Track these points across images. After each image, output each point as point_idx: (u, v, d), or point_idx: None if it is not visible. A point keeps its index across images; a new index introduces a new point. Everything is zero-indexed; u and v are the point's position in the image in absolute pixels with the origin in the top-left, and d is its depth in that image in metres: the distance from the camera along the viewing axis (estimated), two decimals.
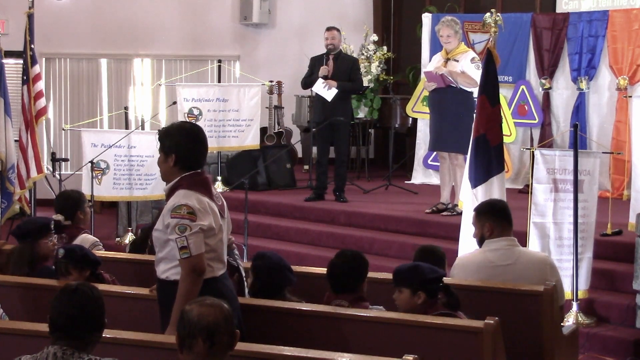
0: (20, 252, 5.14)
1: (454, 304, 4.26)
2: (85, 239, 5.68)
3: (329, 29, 9.01)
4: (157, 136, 4.10)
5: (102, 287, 4.05)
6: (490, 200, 5.44)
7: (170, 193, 4.00)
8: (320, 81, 8.80)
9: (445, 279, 4.37)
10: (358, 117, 10.78)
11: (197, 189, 3.95)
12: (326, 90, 8.79)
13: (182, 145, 3.99)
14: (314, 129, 9.00)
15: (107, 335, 3.47)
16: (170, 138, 4.03)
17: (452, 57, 7.96)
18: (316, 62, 9.01)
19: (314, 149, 9.77)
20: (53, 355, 3.08)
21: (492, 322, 3.86)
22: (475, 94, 7.68)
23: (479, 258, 4.87)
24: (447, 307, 4.23)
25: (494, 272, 4.72)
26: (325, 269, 4.44)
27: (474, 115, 6.40)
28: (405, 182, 10.33)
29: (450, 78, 7.83)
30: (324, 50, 8.98)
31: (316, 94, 9.03)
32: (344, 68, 8.90)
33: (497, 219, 4.87)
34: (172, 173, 4.03)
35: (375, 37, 11.22)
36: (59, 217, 5.73)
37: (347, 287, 4.29)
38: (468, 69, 7.83)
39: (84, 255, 4.83)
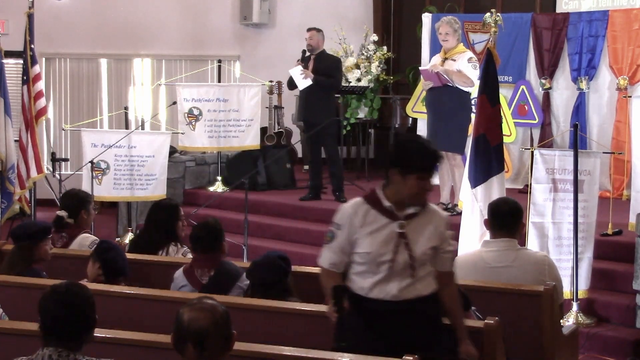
0: (18, 254, 5.03)
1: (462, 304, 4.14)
2: (85, 238, 5.67)
3: (308, 29, 9.10)
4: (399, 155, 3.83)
5: (101, 287, 4.06)
6: (499, 199, 5.28)
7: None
8: (299, 67, 8.87)
9: None
10: (358, 117, 10.78)
11: None
12: (301, 78, 8.90)
13: None
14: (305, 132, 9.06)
15: (107, 335, 3.47)
16: None
17: (450, 56, 7.96)
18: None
19: None
20: (48, 357, 3.06)
21: (492, 322, 3.86)
22: (473, 94, 7.72)
23: (474, 258, 4.83)
24: None
25: (489, 273, 4.68)
26: None
27: (471, 114, 6.40)
28: None
29: (446, 77, 7.82)
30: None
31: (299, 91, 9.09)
32: (323, 66, 8.96)
33: (493, 219, 4.82)
34: None
35: (375, 37, 11.20)
36: (63, 213, 5.70)
37: None
38: (464, 68, 7.81)
39: (103, 253, 4.78)
